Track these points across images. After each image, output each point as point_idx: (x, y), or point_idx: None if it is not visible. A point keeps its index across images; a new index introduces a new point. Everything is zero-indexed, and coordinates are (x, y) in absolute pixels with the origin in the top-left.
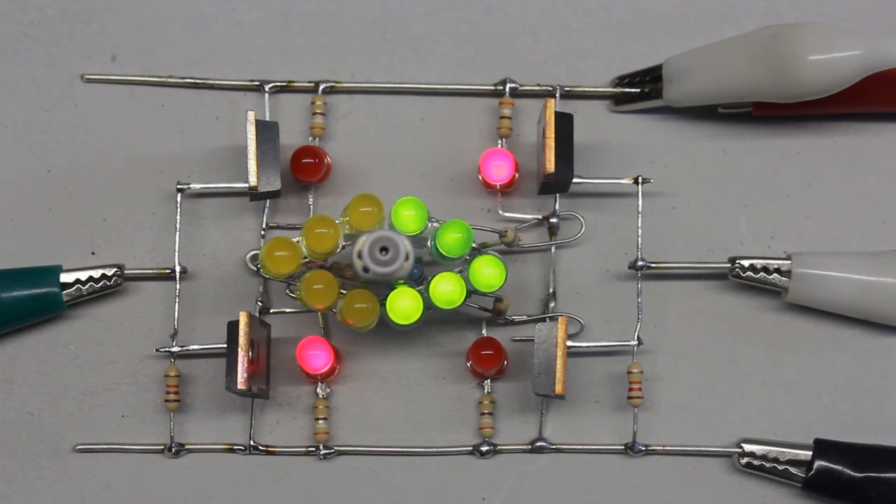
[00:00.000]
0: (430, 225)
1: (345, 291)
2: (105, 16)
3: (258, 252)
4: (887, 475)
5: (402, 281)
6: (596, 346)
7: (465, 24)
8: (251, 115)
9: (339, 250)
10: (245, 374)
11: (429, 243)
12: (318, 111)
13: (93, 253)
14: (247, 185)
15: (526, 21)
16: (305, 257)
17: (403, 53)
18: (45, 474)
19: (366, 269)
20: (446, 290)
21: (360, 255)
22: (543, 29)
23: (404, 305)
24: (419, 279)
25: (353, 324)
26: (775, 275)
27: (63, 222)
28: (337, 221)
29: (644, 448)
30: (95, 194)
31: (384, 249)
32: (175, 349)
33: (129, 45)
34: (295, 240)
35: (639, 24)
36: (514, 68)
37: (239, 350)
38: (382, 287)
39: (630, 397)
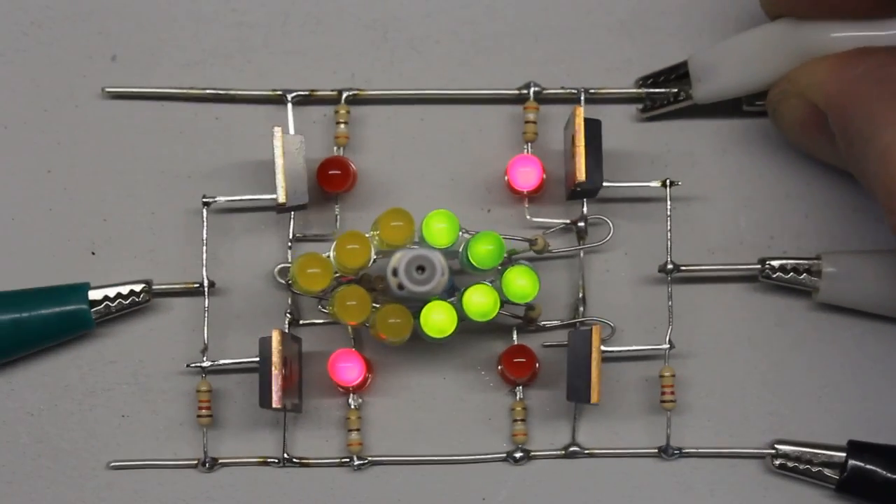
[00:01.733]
0: (461, 235)
1: (377, 304)
2: (105, 16)
3: (287, 266)
4: None
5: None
6: (627, 351)
7: (466, 24)
8: (278, 132)
9: (370, 264)
10: (280, 393)
11: (460, 254)
12: (341, 120)
13: (93, 253)
14: (272, 196)
15: (526, 20)
16: (336, 272)
17: (403, 53)
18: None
19: (401, 287)
20: (480, 302)
21: (395, 273)
22: (543, 29)
23: (438, 319)
24: (451, 291)
25: (387, 338)
26: (805, 275)
27: (63, 222)
28: (367, 235)
29: (678, 451)
30: (95, 194)
31: (420, 268)
32: (206, 364)
33: (129, 45)
34: (325, 255)
35: (639, 23)
36: (514, 68)
37: (273, 369)
38: (415, 300)
39: (663, 401)
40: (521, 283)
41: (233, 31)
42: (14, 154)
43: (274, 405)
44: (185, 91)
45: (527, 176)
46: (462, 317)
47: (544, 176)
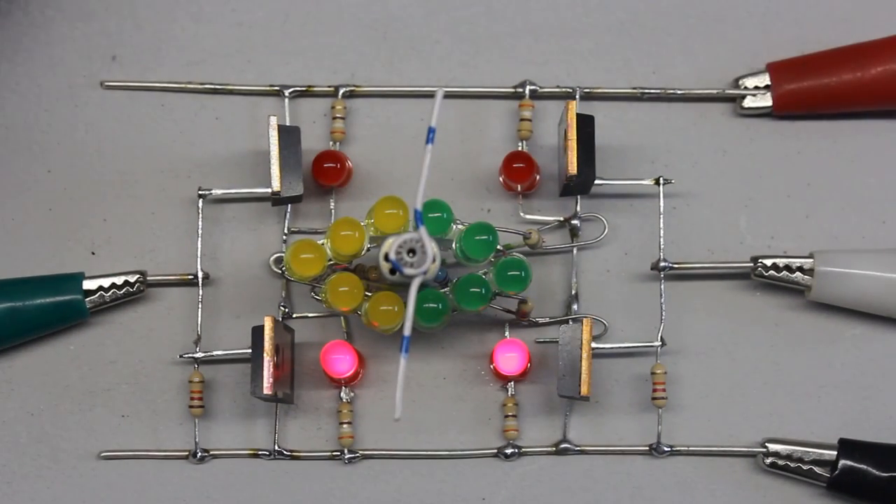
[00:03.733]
0: (454, 227)
1: (369, 293)
2: (105, 16)
3: (282, 254)
4: None
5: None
6: (619, 348)
7: (465, 24)
8: (273, 121)
9: (364, 252)
10: (271, 380)
11: (454, 245)
12: (338, 115)
13: (93, 253)
14: (268, 189)
15: (525, 21)
16: (330, 260)
17: (403, 53)
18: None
19: (393, 271)
20: (472, 292)
21: (386, 258)
22: (543, 29)
23: (428, 307)
24: (443, 281)
25: (379, 326)
26: (798, 273)
27: (63, 222)
28: (362, 223)
29: (668, 449)
30: (95, 194)
31: (412, 251)
32: (199, 355)
33: (129, 45)
34: (320, 242)
35: (639, 23)
36: (514, 68)
37: (264, 355)
38: (407, 287)
39: (654, 398)
40: (513, 273)
41: (233, 30)
42: (14, 154)
43: (265, 391)
44: (183, 85)
45: (520, 172)
46: (454, 307)
47: (538, 173)
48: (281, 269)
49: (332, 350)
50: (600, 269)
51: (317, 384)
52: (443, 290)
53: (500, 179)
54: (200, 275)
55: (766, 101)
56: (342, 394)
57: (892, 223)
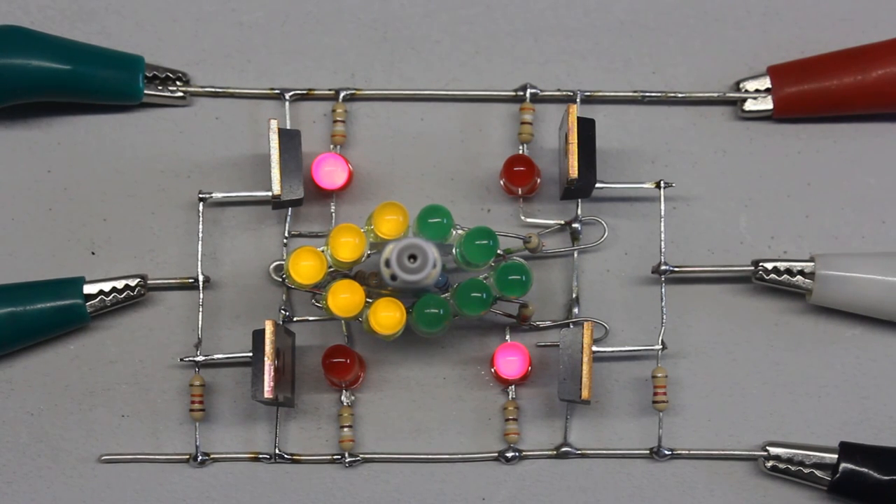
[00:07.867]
0: (454, 232)
1: (370, 300)
2: (105, 16)
3: (282, 262)
4: None
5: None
6: (620, 351)
7: (465, 24)
8: (274, 125)
9: (364, 259)
10: (272, 384)
11: (454, 250)
12: (338, 119)
13: (92, 253)
14: (268, 193)
15: (525, 21)
16: (330, 266)
17: (403, 54)
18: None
19: (393, 277)
20: (473, 297)
21: (387, 263)
22: (543, 29)
23: (430, 312)
24: (444, 286)
25: (380, 332)
26: (799, 277)
27: (63, 222)
28: (362, 230)
29: (669, 452)
30: (95, 194)
31: (412, 257)
32: (199, 359)
33: (130, 45)
34: (320, 249)
35: (639, 23)
36: (514, 68)
37: (265, 359)
38: (407, 295)
39: (655, 402)
40: (513, 278)
41: (233, 31)
42: (14, 154)
43: (266, 395)
44: (184, 88)
45: (520, 176)
46: (455, 312)
47: (539, 176)
48: (281, 276)
49: (333, 354)
50: (601, 272)
51: (317, 388)
52: (444, 296)
53: (501, 183)
54: (201, 279)
55: (766, 104)
56: (343, 397)
57: (892, 224)
